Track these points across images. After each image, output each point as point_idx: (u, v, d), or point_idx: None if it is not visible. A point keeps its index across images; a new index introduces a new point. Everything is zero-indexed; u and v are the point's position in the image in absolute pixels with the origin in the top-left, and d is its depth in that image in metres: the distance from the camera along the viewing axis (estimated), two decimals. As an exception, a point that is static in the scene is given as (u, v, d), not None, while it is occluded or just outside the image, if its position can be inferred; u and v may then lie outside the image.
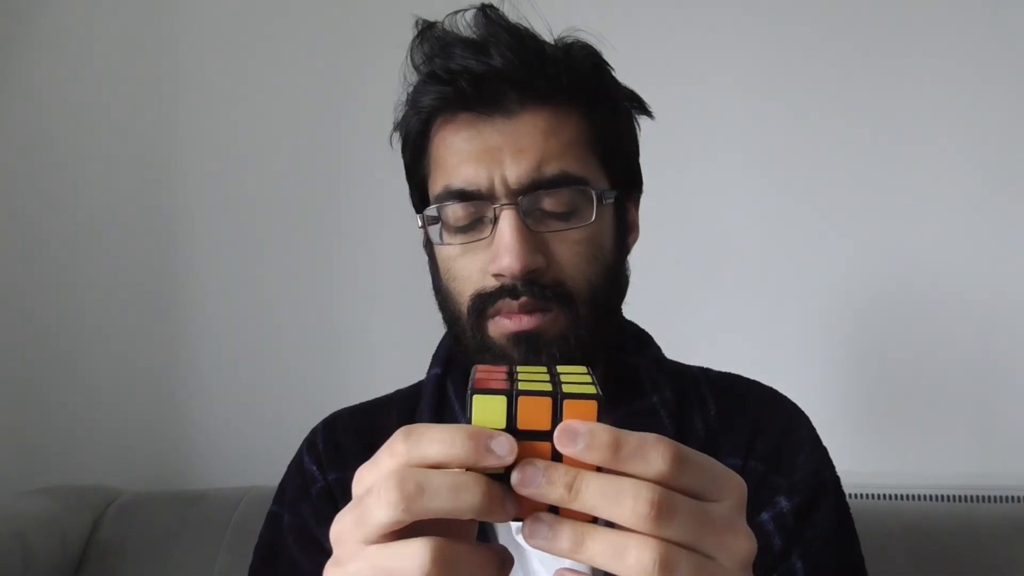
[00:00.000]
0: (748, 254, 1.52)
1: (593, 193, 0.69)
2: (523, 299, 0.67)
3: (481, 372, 0.40)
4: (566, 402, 0.37)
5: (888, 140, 1.49)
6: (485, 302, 0.68)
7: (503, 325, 0.68)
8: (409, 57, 0.73)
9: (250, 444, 1.58)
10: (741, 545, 0.38)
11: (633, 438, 0.37)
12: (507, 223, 0.67)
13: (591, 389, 0.38)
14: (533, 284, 0.67)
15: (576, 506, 0.36)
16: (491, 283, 0.68)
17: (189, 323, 1.65)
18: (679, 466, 0.37)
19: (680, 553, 0.36)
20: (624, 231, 0.75)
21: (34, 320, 1.65)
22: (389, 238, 1.57)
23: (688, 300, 1.52)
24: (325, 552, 0.41)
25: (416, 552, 0.36)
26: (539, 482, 0.36)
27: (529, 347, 0.68)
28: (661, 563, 0.36)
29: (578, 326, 0.69)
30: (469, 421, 0.37)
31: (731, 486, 0.39)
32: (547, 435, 0.37)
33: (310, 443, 0.82)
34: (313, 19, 1.66)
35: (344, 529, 0.39)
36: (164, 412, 1.63)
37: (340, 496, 0.77)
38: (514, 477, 0.36)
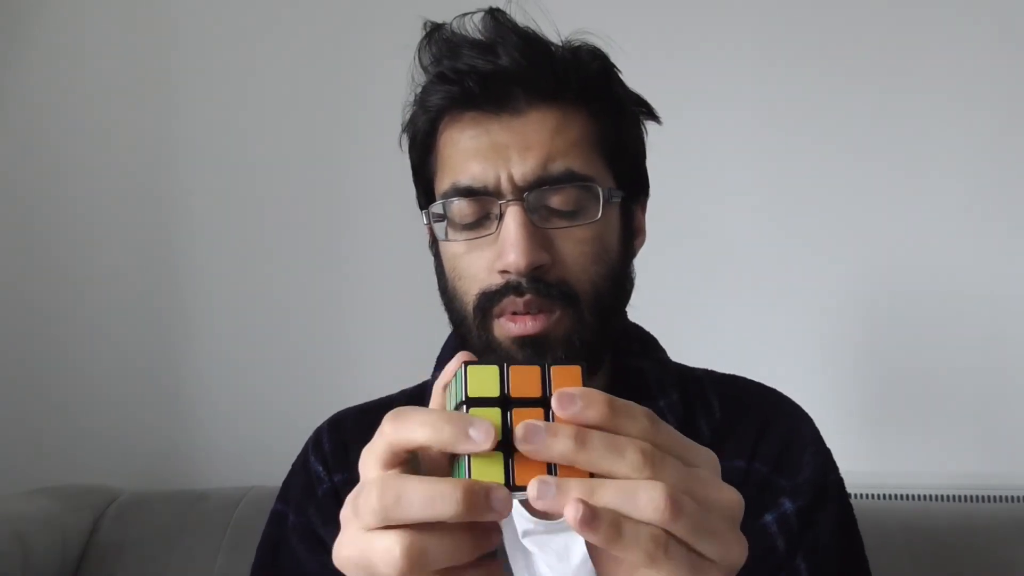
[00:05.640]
0: (751, 257, 1.53)
1: (600, 191, 0.69)
2: (528, 297, 0.67)
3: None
4: (553, 368, 0.39)
5: (891, 146, 1.49)
6: (491, 300, 0.68)
7: (508, 328, 0.68)
8: (417, 58, 0.72)
9: (250, 444, 1.58)
10: (729, 497, 0.40)
11: (620, 400, 0.39)
12: (513, 219, 0.66)
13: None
14: (538, 282, 0.67)
15: (582, 457, 0.37)
16: (497, 280, 0.68)
17: (189, 323, 1.64)
18: (657, 426, 0.39)
19: (681, 494, 0.38)
20: (630, 234, 0.75)
21: (34, 320, 1.65)
22: (393, 237, 1.57)
23: (691, 302, 1.52)
24: (330, 552, 0.42)
25: (389, 545, 0.38)
26: (542, 436, 0.37)
27: (535, 351, 0.68)
28: (670, 498, 0.37)
29: (583, 327, 0.69)
30: (465, 392, 0.39)
31: (705, 456, 0.41)
32: (538, 402, 0.39)
33: (316, 443, 0.82)
34: (315, 20, 1.65)
35: (347, 515, 0.40)
36: (164, 412, 1.63)
37: (346, 497, 0.76)
38: (518, 432, 0.37)
